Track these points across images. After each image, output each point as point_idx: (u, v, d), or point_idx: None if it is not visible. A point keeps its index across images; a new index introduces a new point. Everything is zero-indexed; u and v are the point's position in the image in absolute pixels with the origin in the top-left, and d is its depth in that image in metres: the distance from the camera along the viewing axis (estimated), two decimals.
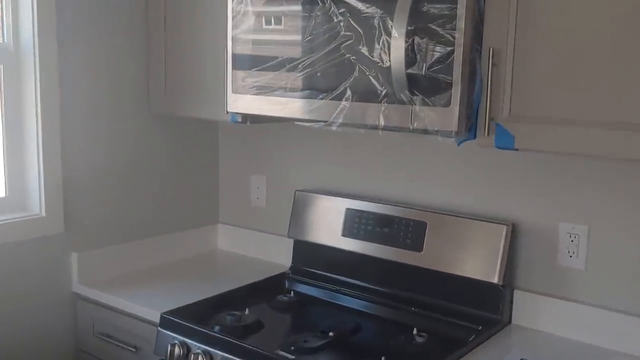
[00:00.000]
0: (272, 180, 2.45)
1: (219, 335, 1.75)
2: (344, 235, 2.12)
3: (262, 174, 2.48)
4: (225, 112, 1.99)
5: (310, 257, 2.23)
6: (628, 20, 1.37)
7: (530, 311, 1.87)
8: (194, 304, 1.97)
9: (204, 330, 1.77)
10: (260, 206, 2.50)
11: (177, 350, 1.76)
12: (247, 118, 2.01)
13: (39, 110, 2.01)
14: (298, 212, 2.25)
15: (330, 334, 1.81)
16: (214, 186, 2.60)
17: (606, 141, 1.42)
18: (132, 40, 2.23)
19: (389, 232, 2.02)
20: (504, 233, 1.84)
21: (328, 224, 2.16)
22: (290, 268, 2.28)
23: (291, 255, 2.29)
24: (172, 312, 1.88)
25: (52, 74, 2.03)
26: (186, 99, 2.18)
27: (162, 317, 1.87)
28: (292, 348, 1.72)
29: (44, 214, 2.06)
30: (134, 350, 1.99)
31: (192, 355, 1.71)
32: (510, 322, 1.90)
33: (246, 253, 2.52)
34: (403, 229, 2.00)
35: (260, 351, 1.65)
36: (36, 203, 2.06)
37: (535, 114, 1.52)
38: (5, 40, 2.03)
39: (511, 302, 1.90)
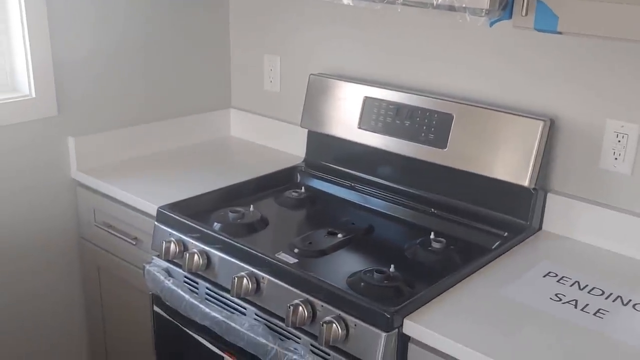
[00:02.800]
0: (286, 61, 2.22)
1: (216, 234, 1.60)
2: (360, 127, 1.91)
3: (275, 53, 2.24)
4: None
5: (325, 149, 2.04)
6: None
7: (565, 217, 1.67)
8: (196, 197, 1.82)
9: (201, 228, 1.63)
10: (274, 90, 2.28)
11: (172, 247, 1.63)
12: None
13: None
14: (312, 99, 2.03)
15: (339, 235, 1.66)
16: (225, 66, 2.38)
17: None
18: None
19: (410, 125, 1.80)
20: (540, 129, 1.61)
21: (344, 113, 1.95)
22: (303, 160, 2.11)
23: (305, 146, 2.11)
24: (170, 206, 1.74)
25: None
26: None
27: (158, 211, 1.73)
28: (296, 250, 1.58)
29: (34, 94, 1.89)
30: (134, 242, 1.88)
31: (188, 254, 1.58)
32: (540, 228, 1.70)
33: (259, 141, 2.34)
34: (426, 122, 1.78)
35: (260, 254, 1.50)
36: (25, 83, 1.89)
37: None
38: None
39: (543, 206, 1.70)
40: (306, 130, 2.09)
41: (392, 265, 1.46)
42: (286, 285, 1.42)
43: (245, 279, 1.47)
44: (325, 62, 2.10)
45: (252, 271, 1.48)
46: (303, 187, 1.98)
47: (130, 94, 2.13)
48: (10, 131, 1.88)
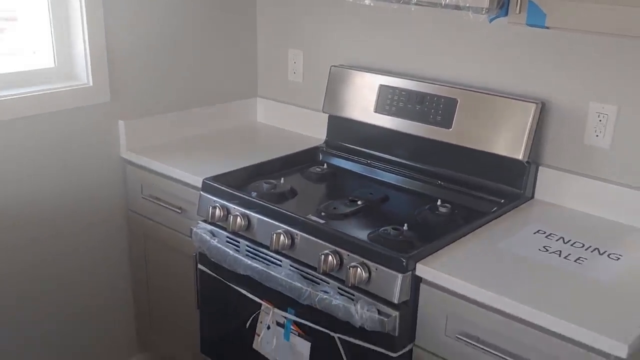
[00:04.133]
0: (308, 55, 2.49)
1: (256, 200, 1.88)
2: (376, 111, 2.18)
3: (299, 48, 2.52)
4: None
5: (344, 131, 2.31)
6: None
7: (554, 187, 1.94)
8: (234, 171, 2.09)
9: (242, 195, 1.91)
10: (297, 80, 2.56)
11: (217, 212, 1.91)
12: None
13: None
14: (333, 88, 2.31)
15: (359, 202, 1.93)
16: (253, 59, 2.66)
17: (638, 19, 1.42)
18: None
19: (421, 109, 2.08)
20: (532, 111, 1.88)
21: (361, 100, 2.22)
22: (324, 142, 2.38)
23: (326, 129, 2.38)
24: (214, 178, 2.01)
25: None
26: None
27: (204, 183, 2.01)
28: (323, 214, 1.85)
29: (91, 83, 2.17)
30: (179, 211, 2.15)
31: (232, 217, 1.85)
32: (533, 197, 1.98)
33: (283, 126, 2.62)
34: (434, 106, 2.05)
35: (294, 215, 1.78)
36: (83, 73, 2.17)
37: None
38: None
39: (535, 178, 1.97)
40: (327, 116, 2.36)
41: (405, 224, 1.74)
42: (317, 240, 1.69)
43: (282, 235, 1.74)
44: (343, 55, 2.37)
45: (288, 229, 1.76)
46: (325, 164, 2.25)
47: (171, 83, 2.40)
48: (68, 115, 2.14)
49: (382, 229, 1.72)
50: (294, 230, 1.75)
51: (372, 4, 1.78)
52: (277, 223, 1.79)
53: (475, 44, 2.04)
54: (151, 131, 2.35)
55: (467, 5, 1.59)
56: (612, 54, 1.79)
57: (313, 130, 2.48)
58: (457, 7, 1.62)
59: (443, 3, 1.63)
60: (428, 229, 1.80)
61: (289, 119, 2.60)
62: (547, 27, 1.57)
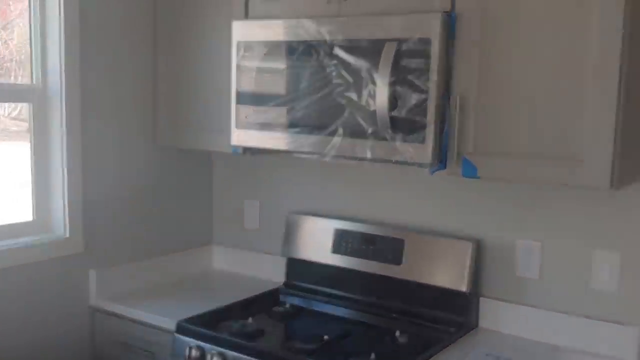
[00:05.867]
0: (264, 204, 2.75)
1: (232, 339, 2.03)
2: (333, 252, 2.42)
3: (255, 198, 2.77)
4: (229, 145, 2.29)
5: (302, 272, 2.53)
6: (557, 79, 1.74)
7: (494, 315, 2.20)
8: (203, 314, 2.24)
9: (218, 335, 2.06)
10: (253, 227, 2.79)
11: (194, 353, 2.04)
12: (248, 150, 2.32)
13: (64, 143, 2.28)
14: (290, 232, 2.55)
15: (325, 337, 2.11)
16: (209, 210, 2.88)
17: (549, 170, 1.77)
18: (141, 82, 2.53)
19: (373, 249, 2.34)
20: (469, 249, 2.18)
21: (318, 242, 2.47)
22: (283, 283, 2.58)
23: (283, 272, 2.58)
24: (187, 320, 2.16)
25: (76, 110, 2.31)
26: (190, 131, 2.47)
27: (178, 325, 2.14)
28: (293, 350, 2.01)
29: (67, 235, 2.32)
30: (150, 354, 2.25)
31: (209, 355, 1.99)
32: (477, 325, 2.22)
33: (239, 271, 2.79)
34: (384, 246, 2.32)
35: (273, 352, 1.94)
36: (60, 226, 2.33)
37: (494, 150, 1.86)
38: (34, 82, 2.31)
39: (477, 307, 2.22)
40: (282, 259, 2.58)
41: (372, 354, 1.93)
42: None
43: None
44: (299, 202, 2.63)
45: None
46: (288, 304, 2.44)
47: (135, 235, 2.57)
48: (40, 267, 2.26)
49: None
50: None
51: (333, 161, 2.07)
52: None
53: (418, 192, 2.36)
54: (118, 279, 2.48)
55: (413, 161, 1.91)
56: (534, 198, 2.14)
57: (270, 274, 2.67)
58: (404, 163, 1.94)
59: (393, 160, 1.94)
60: (394, 358, 1.99)
61: (245, 264, 2.79)
62: (479, 177, 1.90)
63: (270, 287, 2.58)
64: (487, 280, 2.23)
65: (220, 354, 2.00)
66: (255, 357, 1.95)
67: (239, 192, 2.82)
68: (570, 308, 2.08)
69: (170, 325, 2.18)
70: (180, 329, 2.14)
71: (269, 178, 2.73)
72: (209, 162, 2.87)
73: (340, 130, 2.02)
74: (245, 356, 1.96)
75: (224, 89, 2.31)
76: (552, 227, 2.11)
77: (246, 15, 2.28)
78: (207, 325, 2.16)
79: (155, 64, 2.55)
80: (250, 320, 2.22)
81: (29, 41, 2.30)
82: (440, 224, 2.31)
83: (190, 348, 2.05)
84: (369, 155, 1.98)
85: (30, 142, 2.31)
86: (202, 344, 2.06)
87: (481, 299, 2.23)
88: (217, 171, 2.88)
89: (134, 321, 2.31)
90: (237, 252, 2.83)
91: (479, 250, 2.20)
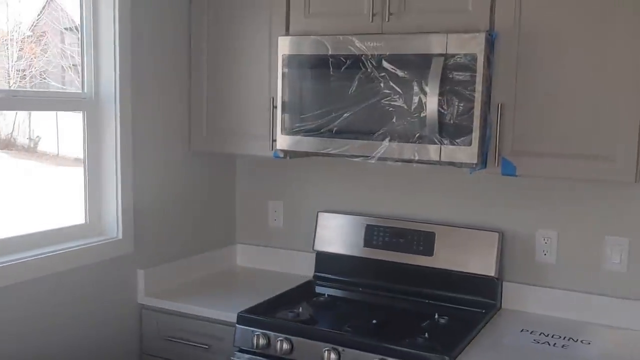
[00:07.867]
0: (288, 204, 2.94)
1: (297, 324, 2.22)
2: (365, 246, 2.65)
3: (279, 199, 2.96)
4: (269, 149, 2.49)
5: (333, 266, 2.73)
6: (594, 85, 2.04)
7: (517, 297, 2.49)
8: (257, 305, 2.41)
9: (283, 322, 2.24)
10: (277, 226, 2.97)
11: (261, 340, 2.21)
12: (288, 154, 2.51)
13: (118, 150, 2.41)
14: (321, 229, 2.75)
15: (374, 321, 2.32)
16: (232, 211, 3.05)
17: (582, 168, 2.07)
18: (179, 93, 2.68)
19: (404, 242, 2.58)
20: (496, 239, 2.45)
21: (350, 237, 2.69)
22: (313, 276, 2.78)
23: (308, 266, 2.78)
24: (247, 311, 2.33)
25: (128, 119, 2.43)
26: (227, 138, 2.64)
27: (239, 316, 2.31)
28: (354, 331, 2.21)
29: (120, 236, 2.44)
30: (206, 347, 2.39)
31: (277, 341, 2.17)
32: (501, 307, 2.50)
33: (264, 267, 2.97)
34: (416, 239, 2.57)
35: (339, 332, 2.16)
36: (114, 228, 2.44)
37: (531, 150, 2.14)
38: (86, 91, 2.41)
39: (501, 291, 2.51)
40: (309, 255, 2.78)
41: (426, 333, 2.17)
42: (363, 352, 2.07)
43: (331, 352, 2.09)
44: (323, 202, 2.84)
45: (333, 346, 2.11)
46: (326, 295, 2.64)
47: (178, 235, 2.72)
48: (94, 268, 2.37)
49: (408, 340, 2.13)
50: (339, 347, 2.11)
51: (378, 163, 2.30)
52: (321, 342, 2.14)
53: (446, 190, 2.61)
54: (162, 278, 2.62)
55: (461, 162, 2.16)
56: (550, 193, 2.43)
57: (297, 269, 2.86)
58: (451, 164, 2.19)
59: (440, 161, 2.19)
60: (443, 336, 2.23)
61: (269, 261, 2.97)
62: (517, 175, 2.17)
63: (300, 280, 2.77)
64: (509, 266, 2.51)
65: (287, 340, 2.18)
66: (319, 340, 2.15)
67: (263, 194, 3.00)
68: (585, 288, 2.39)
69: (228, 317, 2.34)
70: (242, 319, 2.30)
71: (291, 180, 2.92)
72: (233, 166, 3.03)
73: (388, 135, 2.24)
74: (310, 340, 2.16)
75: (263, 99, 2.50)
76: (567, 218, 2.42)
77: (287, 31, 2.47)
78: (265, 315, 2.34)
79: (195, 78, 2.70)
80: (300, 309, 2.41)
81: (79, 51, 2.41)
82: (466, 218, 2.57)
83: (258, 336, 2.22)
84: (416, 157, 2.22)
85: (84, 149, 2.42)
86: (267, 332, 2.24)
87: (504, 282, 2.51)
88: (240, 175, 3.05)
89: (186, 316, 2.45)
90: (261, 249, 3.00)
91: (503, 240, 2.48)
